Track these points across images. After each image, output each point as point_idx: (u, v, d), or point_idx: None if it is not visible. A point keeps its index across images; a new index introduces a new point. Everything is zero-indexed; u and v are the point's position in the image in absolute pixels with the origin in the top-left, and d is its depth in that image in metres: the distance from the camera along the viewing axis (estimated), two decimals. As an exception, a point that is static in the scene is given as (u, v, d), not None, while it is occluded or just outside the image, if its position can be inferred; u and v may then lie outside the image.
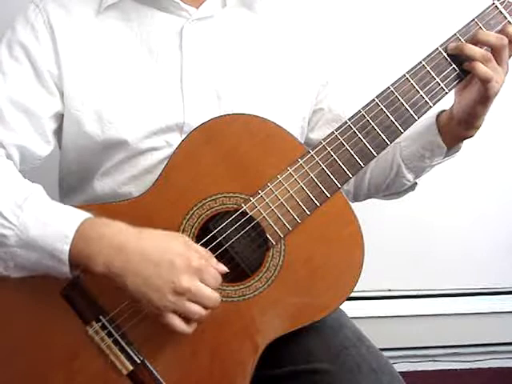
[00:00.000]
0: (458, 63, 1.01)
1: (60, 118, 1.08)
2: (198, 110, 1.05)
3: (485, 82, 0.99)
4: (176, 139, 1.05)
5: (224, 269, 0.95)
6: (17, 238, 0.92)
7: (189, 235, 0.98)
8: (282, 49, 1.12)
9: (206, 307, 0.92)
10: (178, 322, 0.92)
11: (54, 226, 0.92)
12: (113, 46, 1.06)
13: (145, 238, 0.93)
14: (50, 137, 1.07)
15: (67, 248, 0.91)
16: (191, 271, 0.91)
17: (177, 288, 0.90)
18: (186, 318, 0.92)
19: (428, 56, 1.02)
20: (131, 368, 0.97)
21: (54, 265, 0.92)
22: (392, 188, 1.21)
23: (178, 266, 0.90)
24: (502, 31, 1.01)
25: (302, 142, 1.17)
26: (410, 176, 1.16)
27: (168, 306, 0.91)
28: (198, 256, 0.92)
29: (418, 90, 1.01)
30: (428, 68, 1.01)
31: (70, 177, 1.15)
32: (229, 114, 1.01)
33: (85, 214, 0.94)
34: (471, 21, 1.02)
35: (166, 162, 1.01)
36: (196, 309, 0.91)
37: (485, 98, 1.01)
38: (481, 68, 0.98)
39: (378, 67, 1.66)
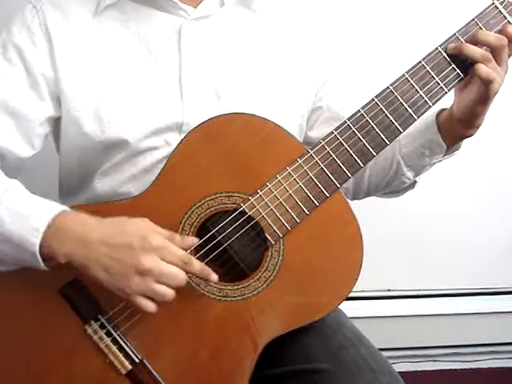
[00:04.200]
0: (458, 63, 1.01)
1: (52, 122, 1.08)
2: (197, 109, 1.05)
3: (487, 83, 0.98)
4: (175, 138, 1.05)
5: (191, 241, 0.95)
6: None
7: (188, 234, 0.98)
8: (280, 47, 1.12)
9: (171, 286, 0.91)
10: (148, 305, 0.91)
11: (28, 220, 0.92)
12: (111, 46, 1.06)
13: (104, 226, 0.93)
14: (37, 141, 1.07)
15: (37, 242, 0.91)
16: (150, 250, 0.90)
17: (139, 270, 0.90)
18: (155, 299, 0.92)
19: (427, 56, 1.02)
20: (130, 367, 0.96)
21: (29, 258, 0.93)
22: (391, 186, 1.21)
23: (135, 247, 0.90)
24: (501, 31, 1.01)
25: (301, 140, 1.17)
26: (409, 174, 1.16)
27: (135, 290, 0.90)
28: (156, 235, 0.92)
29: (418, 89, 1.01)
30: (428, 68, 1.01)
31: (71, 177, 1.15)
32: (228, 114, 1.01)
33: (59, 208, 0.94)
34: (471, 20, 1.02)
35: (165, 162, 1.00)
36: (162, 289, 0.91)
37: (485, 98, 1.01)
38: (483, 69, 0.98)
39: (377, 66, 1.66)
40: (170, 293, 0.91)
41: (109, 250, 0.91)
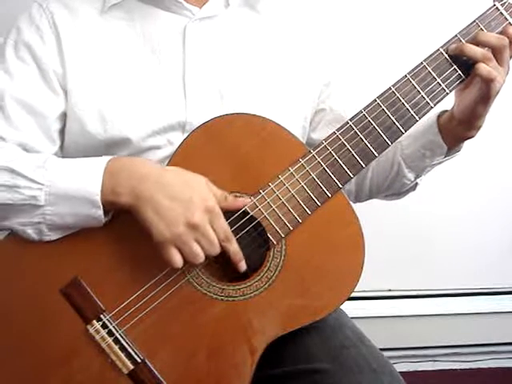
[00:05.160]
0: (459, 64, 1.02)
1: (63, 118, 1.08)
2: (201, 109, 1.06)
3: (488, 81, 0.99)
4: (178, 138, 1.05)
5: (244, 201, 0.97)
6: (47, 196, 0.94)
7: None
8: (284, 49, 1.13)
9: (205, 251, 0.93)
10: (176, 257, 0.93)
11: (82, 173, 0.95)
12: (116, 45, 1.06)
13: (167, 172, 0.96)
14: (56, 136, 1.08)
15: (98, 189, 0.93)
16: (205, 210, 0.93)
17: (189, 222, 0.92)
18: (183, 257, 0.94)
19: (429, 57, 1.02)
20: (132, 367, 0.96)
21: (88, 211, 0.94)
22: (393, 188, 1.21)
23: (194, 202, 0.93)
24: (502, 32, 1.01)
25: (304, 142, 1.17)
26: (410, 175, 1.17)
27: (175, 238, 0.92)
28: (213, 198, 0.94)
29: (420, 90, 1.01)
30: (429, 69, 1.01)
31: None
32: (230, 114, 1.01)
33: (108, 156, 0.97)
34: (472, 22, 1.03)
35: (167, 161, 1.01)
36: (198, 249, 0.93)
37: (486, 98, 1.02)
38: (484, 68, 0.98)
39: (379, 68, 1.66)
40: (201, 257, 0.93)
41: (169, 195, 0.93)
